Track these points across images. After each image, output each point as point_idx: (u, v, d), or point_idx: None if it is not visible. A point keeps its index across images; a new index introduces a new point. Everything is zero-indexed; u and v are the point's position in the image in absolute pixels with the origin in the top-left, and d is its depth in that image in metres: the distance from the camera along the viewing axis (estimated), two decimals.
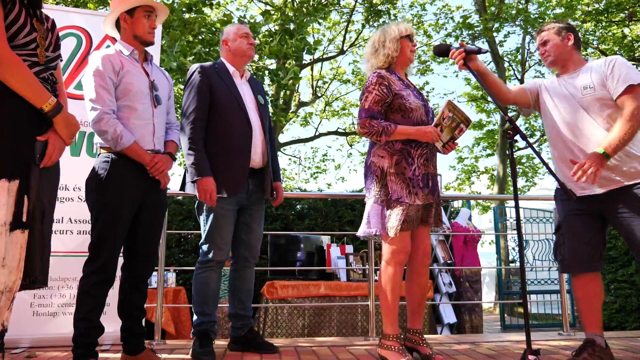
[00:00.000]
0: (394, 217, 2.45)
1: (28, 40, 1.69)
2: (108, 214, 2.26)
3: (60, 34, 3.22)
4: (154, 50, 3.40)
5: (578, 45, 2.62)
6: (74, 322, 2.22)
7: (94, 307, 2.25)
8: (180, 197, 6.31)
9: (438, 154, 2.72)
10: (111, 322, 2.81)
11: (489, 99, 14.11)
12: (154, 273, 4.50)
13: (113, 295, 2.52)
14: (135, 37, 2.46)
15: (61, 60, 1.96)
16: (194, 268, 2.76)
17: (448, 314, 5.79)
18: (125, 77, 2.36)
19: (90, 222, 2.34)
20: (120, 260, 2.43)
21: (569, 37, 2.60)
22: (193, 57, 6.14)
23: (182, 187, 2.74)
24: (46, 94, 1.71)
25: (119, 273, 2.42)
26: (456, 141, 2.65)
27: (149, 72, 2.50)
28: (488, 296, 11.66)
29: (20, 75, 1.63)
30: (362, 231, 2.57)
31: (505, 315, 7.81)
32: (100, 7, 7.61)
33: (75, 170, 3.04)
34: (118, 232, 2.28)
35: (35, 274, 1.67)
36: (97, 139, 2.36)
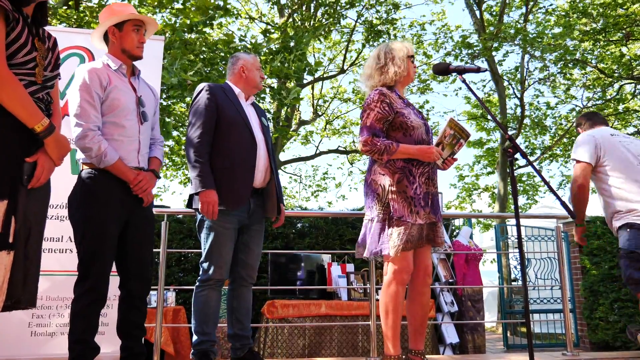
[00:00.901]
0: (396, 236, 2.43)
1: (28, 59, 1.70)
2: (94, 229, 2.21)
3: (64, 54, 3.25)
4: (157, 68, 3.43)
5: (589, 125, 3.34)
6: (69, 345, 2.18)
7: (87, 329, 2.20)
8: (180, 216, 6.29)
9: (438, 171, 2.71)
10: (109, 343, 2.78)
11: (489, 117, 14.18)
12: (154, 292, 4.49)
13: (111, 316, 2.49)
14: (124, 51, 2.43)
15: (59, 79, 1.96)
16: (194, 287, 2.74)
17: (450, 334, 5.72)
18: (112, 92, 2.32)
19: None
20: (117, 279, 2.40)
21: (578, 131, 3.44)
22: (194, 72, 6.18)
23: (190, 204, 2.74)
24: (39, 115, 1.70)
25: (114, 292, 2.40)
26: (455, 156, 2.65)
27: (136, 87, 2.46)
28: (490, 315, 11.55)
29: (15, 95, 1.62)
30: (367, 252, 2.53)
31: (508, 334, 7.72)
32: None
33: None
34: (106, 249, 2.24)
35: (17, 295, 1.63)
36: (79, 155, 2.32)
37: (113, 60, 2.42)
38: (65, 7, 7.99)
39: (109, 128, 2.31)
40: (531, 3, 12.05)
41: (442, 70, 2.63)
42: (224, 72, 6.70)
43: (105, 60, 2.42)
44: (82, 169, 2.32)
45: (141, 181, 2.33)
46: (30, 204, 1.70)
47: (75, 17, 7.69)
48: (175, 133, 9.77)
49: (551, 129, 14.51)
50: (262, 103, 10.43)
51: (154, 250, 3.52)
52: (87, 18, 7.67)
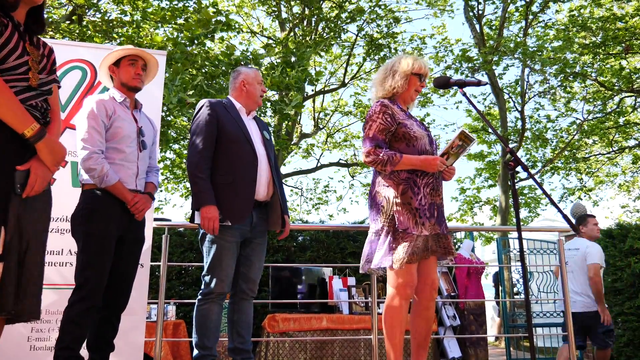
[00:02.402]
0: (401, 249, 2.40)
1: (19, 63, 1.67)
2: (95, 243, 2.36)
3: (66, 67, 3.28)
4: (159, 82, 3.44)
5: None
6: (55, 352, 2.20)
7: (78, 337, 2.27)
8: (181, 229, 6.28)
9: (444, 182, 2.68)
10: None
11: (490, 130, 14.21)
12: (154, 306, 4.46)
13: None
14: (123, 85, 2.64)
15: (59, 87, 1.95)
16: (194, 301, 2.73)
17: (452, 348, 5.68)
18: (116, 121, 2.54)
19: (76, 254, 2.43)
20: None
21: None
22: (194, 90, 6.21)
23: (193, 218, 2.75)
24: (29, 120, 1.66)
25: None
26: (453, 165, 2.62)
27: (137, 119, 2.67)
28: (493, 329, 11.46)
29: (2, 99, 1.60)
30: (373, 265, 2.49)
31: (511, 349, 7.65)
32: (106, 41, 7.76)
33: (75, 201, 3.03)
34: (105, 261, 2.37)
35: (8, 307, 1.59)
36: (82, 177, 2.50)
37: (117, 94, 2.65)
38: (68, 22, 8.06)
39: (111, 153, 2.52)
40: (531, 17, 12.13)
41: (443, 84, 2.63)
42: (224, 85, 6.73)
43: (112, 94, 2.66)
44: (85, 190, 2.49)
45: (138, 202, 2.50)
46: (27, 214, 1.66)
47: (77, 31, 7.76)
48: (175, 146, 9.79)
49: (552, 142, 14.52)
50: (263, 116, 10.45)
51: (155, 263, 3.53)
52: (89, 32, 7.73)
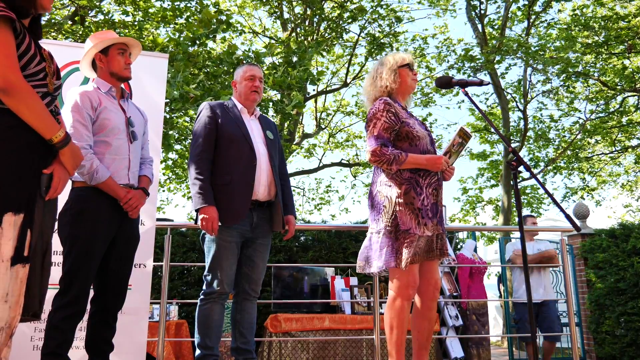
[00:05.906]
0: (404, 249, 2.39)
1: (39, 69, 1.69)
2: (81, 247, 2.27)
3: (69, 68, 3.29)
4: (161, 85, 3.44)
5: None
6: (41, 357, 2.19)
7: (62, 342, 2.22)
8: (183, 229, 6.29)
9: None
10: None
11: (492, 129, 14.18)
12: (156, 306, 4.47)
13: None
14: (112, 74, 2.53)
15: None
16: (196, 301, 2.74)
17: (455, 348, 5.67)
18: (103, 113, 2.42)
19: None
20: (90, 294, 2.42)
21: None
22: (196, 85, 6.20)
23: (196, 219, 2.76)
24: (56, 125, 1.70)
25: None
26: (453, 165, 2.63)
27: (125, 108, 2.56)
28: (495, 329, 11.45)
29: (34, 106, 1.62)
30: (376, 268, 2.47)
31: (514, 349, 7.64)
32: None
33: None
34: (91, 266, 2.29)
35: (34, 308, 1.63)
36: None
37: (102, 84, 2.52)
38: (70, 23, 8.07)
39: (100, 147, 2.40)
40: (533, 17, 12.12)
41: (445, 84, 2.61)
42: (227, 84, 6.73)
43: (96, 84, 2.52)
44: (74, 187, 2.39)
45: (131, 199, 2.40)
46: (46, 216, 1.70)
47: (80, 32, 7.77)
48: (178, 147, 9.79)
49: (554, 142, 14.50)
50: None
51: (157, 263, 3.53)
52: (92, 33, 7.73)
